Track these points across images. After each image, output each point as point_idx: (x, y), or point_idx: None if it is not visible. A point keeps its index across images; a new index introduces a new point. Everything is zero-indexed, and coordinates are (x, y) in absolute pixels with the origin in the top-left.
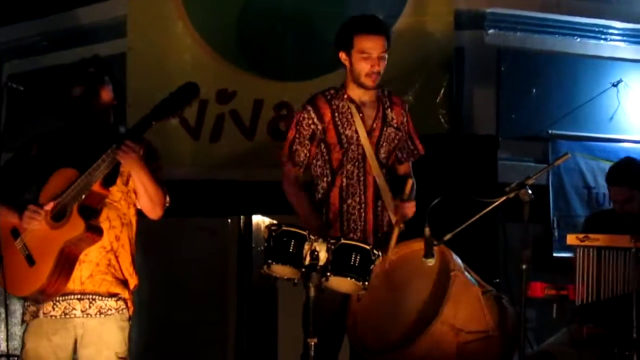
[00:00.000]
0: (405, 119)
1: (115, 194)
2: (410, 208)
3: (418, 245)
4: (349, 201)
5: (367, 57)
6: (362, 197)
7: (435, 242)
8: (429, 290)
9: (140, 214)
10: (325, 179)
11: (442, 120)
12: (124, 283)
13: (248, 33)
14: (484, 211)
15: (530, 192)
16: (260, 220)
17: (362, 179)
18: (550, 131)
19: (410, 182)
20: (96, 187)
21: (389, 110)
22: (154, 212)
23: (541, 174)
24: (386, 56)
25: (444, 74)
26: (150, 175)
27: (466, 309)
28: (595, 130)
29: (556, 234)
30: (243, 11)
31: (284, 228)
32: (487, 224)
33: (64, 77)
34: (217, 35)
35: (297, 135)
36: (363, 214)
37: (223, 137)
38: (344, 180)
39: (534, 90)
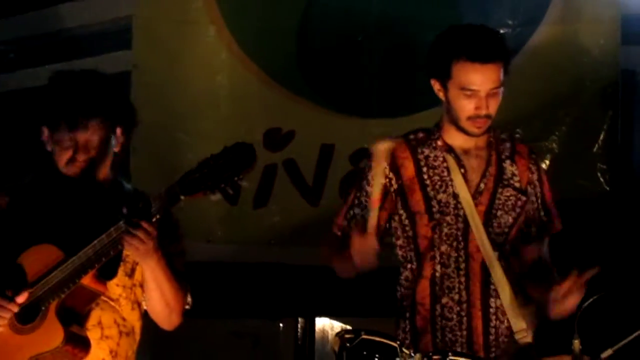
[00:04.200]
0: (536, 177)
1: (114, 290)
2: (573, 298)
3: None
4: (444, 299)
5: (471, 94)
6: (464, 292)
7: None
8: None
9: (146, 316)
10: (409, 265)
11: (602, 178)
12: None
13: (314, 46)
14: None
15: None
16: (327, 325)
17: (462, 265)
18: None
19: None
20: (88, 279)
21: (509, 162)
22: (168, 322)
23: None
24: (501, 91)
25: (604, 110)
26: (169, 272)
27: None
28: None
29: None
30: (307, 14)
31: (364, 336)
32: None
33: (36, 105)
34: (267, 48)
35: (358, 195)
36: (465, 319)
37: (273, 200)
38: (437, 267)
39: None
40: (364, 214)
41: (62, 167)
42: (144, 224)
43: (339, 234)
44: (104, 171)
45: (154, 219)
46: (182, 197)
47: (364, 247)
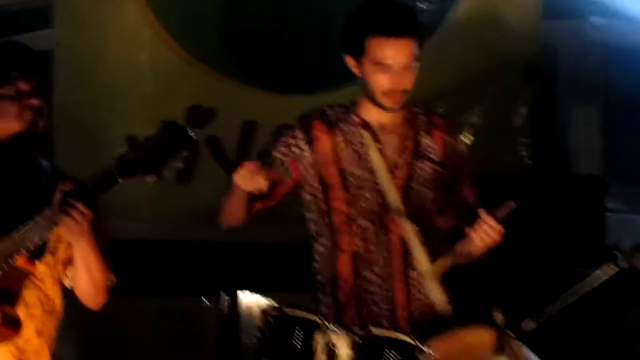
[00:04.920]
0: (453, 147)
1: (39, 268)
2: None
3: (473, 337)
4: (366, 274)
5: (386, 69)
6: (386, 267)
7: (510, 334)
8: None
9: (67, 292)
10: (323, 239)
11: (524, 152)
12: None
13: (234, 24)
14: (585, 287)
15: None
16: (252, 301)
17: (383, 239)
18: None
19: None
20: (21, 261)
21: (425, 136)
22: (95, 301)
23: None
24: (416, 66)
25: (526, 84)
26: (98, 252)
27: None
28: None
29: None
30: None
31: (287, 311)
32: (591, 308)
33: None
34: (188, 27)
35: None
36: (389, 293)
37: (196, 176)
38: (357, 242)
39: None
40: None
41: (12, 122)
42: (80, 206)
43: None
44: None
45: (92, 201)
46: (120, 180)
47: (254, 178)
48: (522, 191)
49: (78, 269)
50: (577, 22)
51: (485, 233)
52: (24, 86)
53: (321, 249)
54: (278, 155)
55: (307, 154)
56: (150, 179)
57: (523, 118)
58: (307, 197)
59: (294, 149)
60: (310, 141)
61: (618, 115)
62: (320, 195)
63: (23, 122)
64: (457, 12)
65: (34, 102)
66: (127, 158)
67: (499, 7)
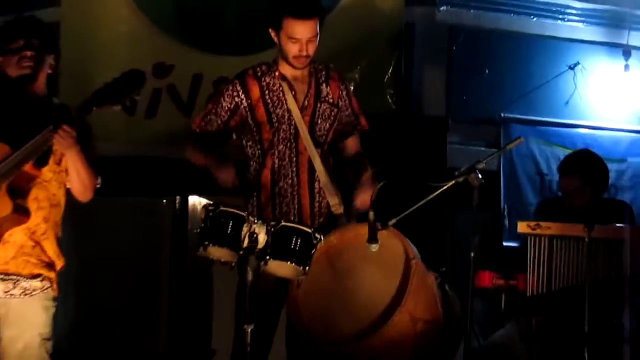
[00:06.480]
0: (344, 94)
1: (46, 174)
2: (364, 197)
3: (365, 230)
4: (281, 183)
5: (296, 41)
6: (295, 179)
7: (379, 227)
8: (381, 278)
9: (69, 192)
10: (256, 159)
11: (390, 99)
12: (50, 265)
13: (187, 4)
14: (432, 196)
15: (480, 177)
16: (196, 201)
17: (294, 159)
18: (503, 115)
19: (370, 171)
20: (28, 167)
21: (324, 85)
22: (84, 196)
23: (492, 159)
24: (317, 38)
25: (392, 51)
26: (84, 160)
27: (424, 298)
28: (550, 115)
29: (507, 223)
30: None
31: (222, 209)
32: (434, 211)
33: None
34: (154, 6)
35: (215, 107)
36: (297, 197)
37: (159, 113)
38: (276, 161)
39: (487, 71)
40: (217, 119)
41: (12, 69)
42: (66, 127)
43: (197, 131)
44: (42, 80)
45: (75, 124)
46: (94, 108)
47: (225, 178)
48: (388, 128)
49: (71, 172)
50: (429, 8)
51: (365, 196)
52: (21, 43)
53: (256, 166)
54: (224, 103)
55: (245, 102)
56: (117, 109)
57: (390, 75)
58: (246, 131)
59: (236, 99)
60: (247, 93)
61: (457, 74)
62: (254, 130)
63: (20, 69)
64: (344, 1)
65: (27, 53)
66: (100, 93)
67: None
